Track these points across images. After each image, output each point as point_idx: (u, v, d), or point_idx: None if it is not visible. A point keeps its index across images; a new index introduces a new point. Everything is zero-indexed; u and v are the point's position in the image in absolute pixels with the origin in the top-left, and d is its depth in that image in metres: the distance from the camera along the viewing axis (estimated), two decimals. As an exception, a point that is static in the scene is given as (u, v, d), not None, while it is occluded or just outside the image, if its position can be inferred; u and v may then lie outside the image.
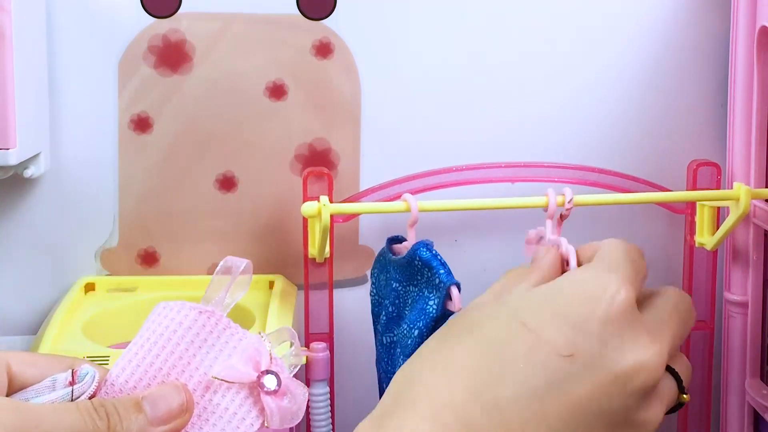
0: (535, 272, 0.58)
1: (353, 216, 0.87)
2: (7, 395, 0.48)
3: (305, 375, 0.84)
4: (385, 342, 0.71)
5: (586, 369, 0.51)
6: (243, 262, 0.51)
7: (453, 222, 0.91)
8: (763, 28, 0.81)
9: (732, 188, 0.84)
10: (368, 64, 0.90)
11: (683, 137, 0.92)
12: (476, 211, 0.89)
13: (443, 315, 0.66)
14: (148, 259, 0.91)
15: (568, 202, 0.74)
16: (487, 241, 0.91)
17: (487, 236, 0.92)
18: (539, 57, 0.91)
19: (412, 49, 0.90)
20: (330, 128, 0.90)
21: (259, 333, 0.50)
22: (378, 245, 0.91)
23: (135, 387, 0.49)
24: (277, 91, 0.89)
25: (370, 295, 0.74)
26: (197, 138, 0.90)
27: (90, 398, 0.48)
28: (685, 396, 0.55)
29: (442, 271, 0.66)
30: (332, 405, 0.86)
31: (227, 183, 0.90)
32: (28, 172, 0.85)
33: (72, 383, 0.48)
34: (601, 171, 0.89)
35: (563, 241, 0.62)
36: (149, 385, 0.48)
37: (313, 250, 0.84)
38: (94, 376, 0.48)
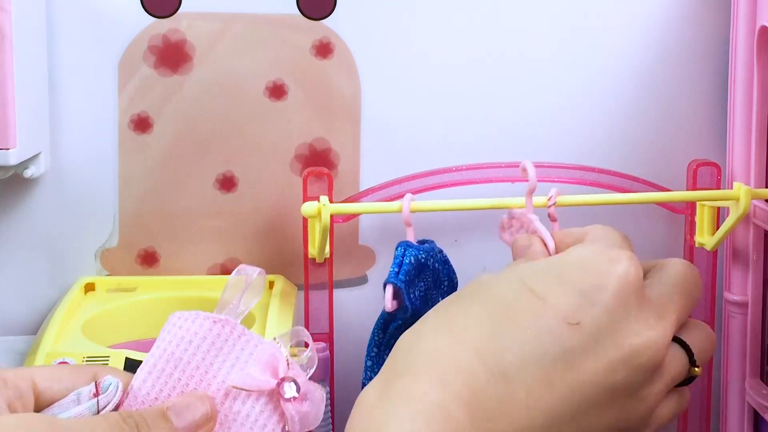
0: (533, 256, 0.58)
1: (353, 216, 0.87)
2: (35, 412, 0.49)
3: (305, 375, 0.84)
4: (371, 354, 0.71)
5: (592, 340, 0.51)
6: (256, 271, 0.52)
7: (453, 222, 0.91)
8: (763, 28, 0.81)
9: (732, 188, 0.84)
10: (368, 64, 0.90)
11: (683, 137, 0.92)
12: (476, 211, 0.89)
13: (389, 315, 0.66)
14: (148, 259, 0.91)
15: (549, 199, 0.73)
16: (487, 241, 0.91)
17: (487, 236, 0.92)
18: (539, 57, 0.91)
19: (412, 49, 0.90)
20: (330, 128, 0.90)
21: (274, 338, 0.51)
22: (378, 245, 0.92)
23: (156, 398, 0.50)
24: (277, 91, 0.89)
25: None
26: (197, 138, 0.90)
27: (115, 409, 0.49)
28: (696, 369, 0.55)
29: (392, 270, 0.66)
30: (332, 405, 0.86)
31: (227, 183, 0.90)
32: (28, 172, 0.85)
33: (96, 395, 0.48)
34: (600, 171, 0.89)
35: (535, 218, 0.61)
36: (170, 395, 0.49)
37: (313, 251, 0.84)
38: (118, 386, 0.49)
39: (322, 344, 0.84)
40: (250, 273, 0.52)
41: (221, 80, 0.89)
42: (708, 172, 0.89)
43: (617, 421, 0.52)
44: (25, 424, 0.44)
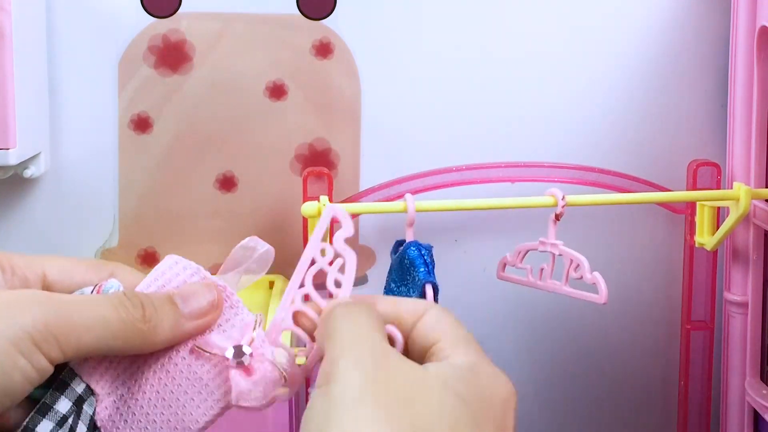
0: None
1: (353, 216, 0.87)
2: None
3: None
4: None
5: None
6: (265, 246, 0.51)
7: (453, 222, 0.91)
8: (763, 28, 0.81)
9: (732, 188, 0.84)
10: (368, 64, 0.90)
11: (683, 137, 0.92)
12: (476, 211, 0.89)
13: None
14: (148, 259, 0.91)
15: (562, 200, 0.74)
16: (487, 241, 0.91)
17: (487, 236, 0.92)
18: (539, 57, 0.91)
19: (412, 49, 0.90)
20: (330, 128, 0.90)
21: (259, 313, 0.51)
22: (378, 245, 0.92)
23: None
24: (277, 91, 0.89)
25: None
26: (197, 138, 0.90)
27: None
28: None
29: (422, 269, 0.66)
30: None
31: (227, 183, 0.90)
32: (28, 172, 0.85)
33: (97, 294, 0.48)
34: (600, 171, 0.89)
35: (560, 244, 0.61)
36: None
37: (313, 250, 0.84)
38: (119, 289, 0.48)
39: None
40: (260, 247, 0.52)
41: (221, 80, 0.89)
42: (708, 172, 0.89)
43: None
44: (23, 297, 0.43)
